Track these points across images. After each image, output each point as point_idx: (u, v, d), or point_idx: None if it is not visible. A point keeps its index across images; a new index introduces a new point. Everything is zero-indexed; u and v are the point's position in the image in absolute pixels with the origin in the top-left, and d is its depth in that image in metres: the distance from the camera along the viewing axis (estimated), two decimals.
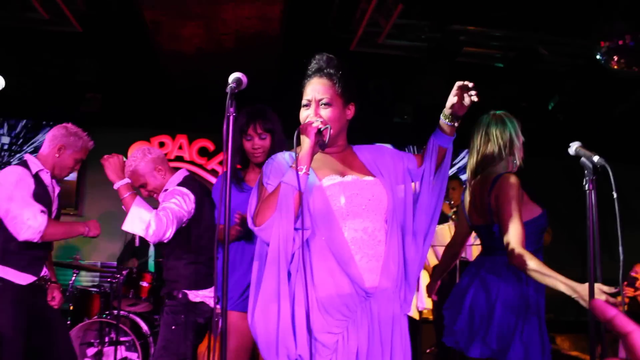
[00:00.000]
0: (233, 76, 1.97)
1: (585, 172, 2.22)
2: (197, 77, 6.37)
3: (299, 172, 1.90)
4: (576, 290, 2.24)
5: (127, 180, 2.90)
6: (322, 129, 1.96)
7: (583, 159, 2.26)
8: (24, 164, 3.18)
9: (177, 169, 3.28)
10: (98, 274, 6.30)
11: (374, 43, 5.43)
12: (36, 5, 5.14)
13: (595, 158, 2.20)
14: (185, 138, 7.28)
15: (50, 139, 3.28)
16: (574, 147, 2.33)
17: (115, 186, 2.88)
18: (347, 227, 1.96)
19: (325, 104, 2.04)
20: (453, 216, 5.15)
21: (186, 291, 3.07)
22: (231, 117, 1.93)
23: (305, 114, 2.07)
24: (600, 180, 2.18)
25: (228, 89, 1.92)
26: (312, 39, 5.53)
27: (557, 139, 4.62)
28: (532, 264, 2.30)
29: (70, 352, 3.34)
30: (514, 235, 2.36)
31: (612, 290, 2.19)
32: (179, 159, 7.21)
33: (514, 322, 2.43)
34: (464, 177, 7.14)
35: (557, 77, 5.62)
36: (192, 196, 3.00)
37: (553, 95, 5.84)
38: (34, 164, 3.18)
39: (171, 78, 6.52)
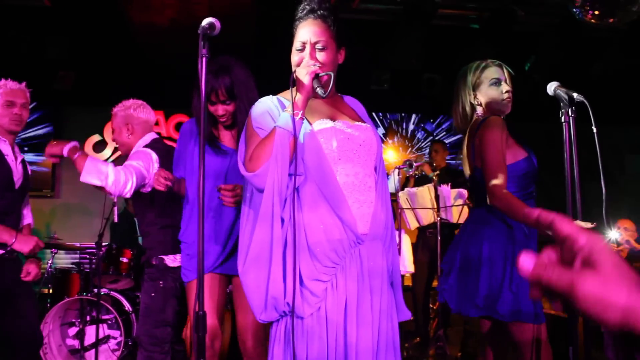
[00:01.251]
0: (206, 20, 1.91)
1: (561, 104, 2.21)
2: (171, 51, 6.26)
3: (295, 117, 1.86)
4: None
5: (73, 143, 2.82)
6: (320, 75, 1.91)
7: (559, 91, 2.25)
8: None
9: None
10: (77, 255, 6.21)
11: (349, 8, 5.39)
12: None
13: (574, 94, 2.19)
14: (162, 114, 7.18)
15: None
16: (552, 87, 2.31)
17: (65, 152, 2.78)
18: (339, 171, 1.93)
19: (321, 48, 1.98)
20: (435, 178, 5.14)
21: (162, 257, 3.03)
22: (204, 59, 1.88)
23: (298, 57, 2.00)
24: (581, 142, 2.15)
25: (200, 30, 1.87)
26: (286, 5, 5.45)
27: (535, 101, 4.64)
28: (506, 202, 2.26)
29: (33, 333, 3.14)
30: (493, 177, 2.32)
31: (590, 225, 2.19)
32: (157, 135, 7.10)
33: (501, 272, 2.37)
34: (447, 140, 7.23)
35: (532, 38, 5.63)
36: (154, 156, 2.98)
37: (529, 56, 5.85)
38: None
39: (145, 53, 6.41)
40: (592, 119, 2.18)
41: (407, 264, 5.08)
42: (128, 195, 2.79)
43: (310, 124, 1.96)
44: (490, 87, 2.53)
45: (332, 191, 1.89)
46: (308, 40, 1.98)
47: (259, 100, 2.07)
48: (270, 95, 2.06)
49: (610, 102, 5.67)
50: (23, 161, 3.21)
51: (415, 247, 5.32)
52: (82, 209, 6.65)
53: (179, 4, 5.25)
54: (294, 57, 2.02)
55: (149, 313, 3.02)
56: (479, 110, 2.56)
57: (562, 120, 2.16)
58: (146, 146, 3.08)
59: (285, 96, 2.04)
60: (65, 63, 6.33)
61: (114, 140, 3.30)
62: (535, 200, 2.49)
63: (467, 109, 2.58)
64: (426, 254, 5.27)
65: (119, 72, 6.66)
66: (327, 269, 1.88)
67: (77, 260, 6.08)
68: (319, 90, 1.90)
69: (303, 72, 1.90)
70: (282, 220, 1.88)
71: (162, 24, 5.65)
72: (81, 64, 6.45)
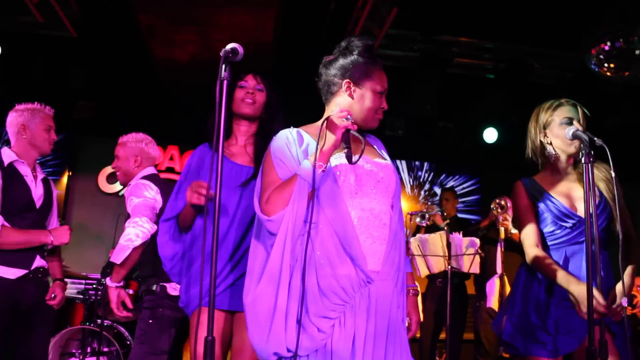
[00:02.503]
0: (230, 45, 1.88)
1: (582, 145, 2.20)
2: (190, 87, 6.38)
3: (318, 169, 1.84)
4: (569, 285, 2.28)
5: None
6: (350, 131, 1.88)
7: (579, 132, 2.24)
8: None
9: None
10: (84, 284, 6.17)
11: None
12: (32, 8, 5.16)
13: (595, 138, 2.18)
14: (177, 149, 7.26)
15: (9, 126, 3.16)
16: (571, 130, 2.30)
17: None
18: (354, 205, 1.91)
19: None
20: (445, 227, 5.12)
21: (165, 284, 3.01)
22: (225, 82, 1.84)
23: (379, 103, 2.05)
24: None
25: (222, 53, 1.85)
26: (305, 48, 5.58)
27: None
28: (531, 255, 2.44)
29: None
30: (523, 235, 2.50)
31: (604, 303, 2.16)
32: (170, 170, 7.18)
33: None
34: (457, 189, 7.22)
35: (547, 90, 5.69)
36: (154, 186, 3.05)
37: None
38: (6, 155, 3.06)
39: (164, 87, 6.53)
40: (611, 164, 2.17)
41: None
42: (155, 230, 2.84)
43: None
44: (560, 126, 2.48)
45: (343, 226, 1.87)
46: (387, 89, 2.06)
47: (279, 133, 2.05)
48: (291, 128, 2.06)
49: (625, 158, 5.67)
50: (45, 180, 3.22)
51: (424, 297, 5.25)
52: (93, 237, 6.65)
53: (200, 40, 5.39)
54: (375, 100, 2.04)
55: (144, 340, 2.97)
56: (549, 149, 2.53)
57: (583, 161, 2.15)
58: (145, 177, 3.17)
59: (307, 130, 2.04)
60: (85, 93, 6.45)
61: (115, 167, 3.36)
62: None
63: (537, 147, 2.57)
64: (435, 303, 5.18)
65: (138, 105, 6.77)
66: (336, 306, 1.84)
67: (83, 289, 6.04)
68: (344, 143, 1.88)
69: (337, 125, 1.85)
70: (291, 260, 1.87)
71: (183, 59, 5.78)
72: (101, 95, 6.58)
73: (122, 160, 3.31)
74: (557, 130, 2.48)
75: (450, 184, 7.73)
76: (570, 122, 2.45)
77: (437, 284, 5.17)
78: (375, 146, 2.18)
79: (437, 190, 7.55)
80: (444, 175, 7.78)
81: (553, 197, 2.50)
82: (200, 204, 2.16)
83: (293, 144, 1.98)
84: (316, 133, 1.94)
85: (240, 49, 1.87)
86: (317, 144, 1.86)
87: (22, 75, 6.04)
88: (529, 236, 2.49)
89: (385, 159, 2.12)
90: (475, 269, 4.73)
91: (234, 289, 2.26)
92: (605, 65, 4.22)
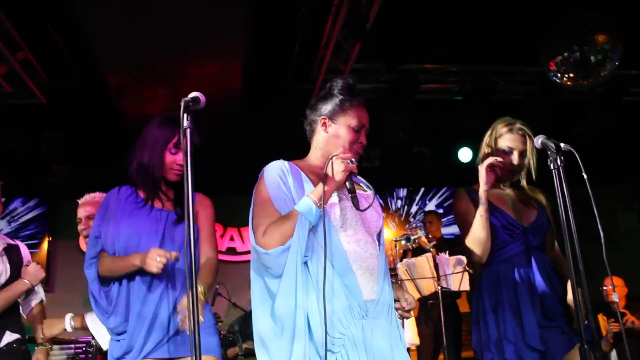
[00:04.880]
0: (191, 94, 1.86)
1: (549, 152, 2.24)
2: None
3: (319, 208, 1.86)
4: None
5: None
6: (353, 173, 1.94)
7: (546, 141, 2.28)
8: None
9: None
10: (73, 348, 6.03)
11: None
12: None
13: (561, 144, 2.23)
14: None
15: None
16: (539, 140, 2.33)
17: None
18: (342, 238, 1.94)
19: (365, 134, 2.09)
20: (432, 249, 5.14)
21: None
22: (188, 131, 1.79)
23: (356, 138, 2.06)
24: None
25: (182, 102, 1.81)
26: (273, 90, 5.66)
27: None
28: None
29: None
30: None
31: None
32: None
33: None
34: (440, 210, 7.29)
35: (515, 105, 5.82)
36: None
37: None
38: None
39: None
40: (582, 166, 2.19)
41: (411, 336, 4.97)
42: None
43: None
44: (503, 154, 2.60)
45: (339, 259, 1.89)
46: (363, 126, 2.07)
47: (271, 164, 2.06)
48: (281, 160, 2.06)
49: (597, 162, 5.79)
50: (9, 248, 3.12)
51: (418, 320, 5.22)
52: (78, 304, 6.52)
53: (169, 93, 5.43)
54: (349, 135, 2.05)
55: None
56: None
57: (551, 167, 2.19)
58: None
59: (298, 164, 2.06)
60: (59, 157, 6.43)
61: (85, 228, 3.21)
62: (533, 250, 2.55)
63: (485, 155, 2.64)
64: (430, 325, 5.16)
65: (111, 163, 6.74)
66: (335, 339, 1.84)
67: (73, 354, 5.90)
68: (348, 185, 1.93)
69: (341, 167, 1.89)
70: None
71: (154, 113, 5.78)
72: (75, 157, 6.56)
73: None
74: (499, 154, 2.60)
75: (432, 204, 7.80)
76: (510, 151, 2.59)
77: (428, 306, 5.16)
78: (358, 179, 2.19)
79: (420, 215, 7.62)
80: (424, 198, 7.86)
81: (499, 207, 2.59)
82: (158, 272, 2.16)
83: (287, 175, 2.00)
84: (307, 168, 2.02)
85: (202, 98, 1.86)
86: (324, 184, 1.86)
87: None
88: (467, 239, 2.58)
89: (365, 190, 2.14)
90: (465, 286, 4.73)
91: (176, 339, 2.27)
92: (566, 76, 4.36)
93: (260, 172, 2.06)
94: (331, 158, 1.91)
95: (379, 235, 2.08)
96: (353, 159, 1.93)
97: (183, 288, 2.28)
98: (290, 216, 1.88)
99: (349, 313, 1.87)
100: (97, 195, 3.34)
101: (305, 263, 1.88)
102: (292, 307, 1.83)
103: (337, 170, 1.88)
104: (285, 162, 2.05)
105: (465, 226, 2.57)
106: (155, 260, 2.14)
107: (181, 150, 2.28)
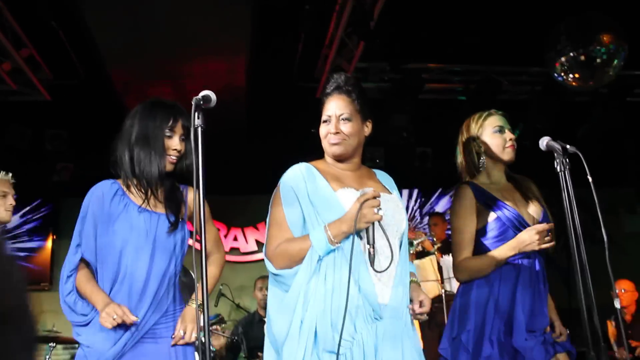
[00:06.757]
0: (202, 92, 1.86)
1: (555, 155, 2.23)
2: None
3: (332, 245, 1.88)
4: (519, 240, 2.32)
5: None
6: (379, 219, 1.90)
7: (551, 143, 2.27)
8: None
9: None
10: (76, 348, 6.03)
11: None
12: (4, 76, 5.20)
13: (567, 146, 2.22)
14: None
15: None
16: (544, 142, 2.31)
17: None
18: (362, 240, 1.94)
19: (345, 119, 2.05)
20: (436, 252, 5.12)
21: None
22: (199, 130, 1.82)
23: (325, 130, 2.07)
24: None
25: (193, 101, 1.83)
26: (277, 88, 5.66)
27: (529, 167, 4.72)
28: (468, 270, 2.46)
29: None
30: (456, 253, 2.48)
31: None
32: None
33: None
34: (445, 209, 7.24)
35: (519, 105, 5.80)
36: None
37: (517, 124, 6.01)
38: None
39: None
40: (587, 169, 2.19)
41: None
42: None
43: (335, 190, 1.98)
44: (493, 134, 2.53)
45: (355, 259, 1.88)
46: (333, 114, 2.05)
47: (290, 170, 2.06)
48: (300, 163, 2.07)
49: (600, 164, 5.77)
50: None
51: (422, 324, 5.20)
52: None
53: (174, 91, 5.44)
54: (321, 130, 2.09)
55: None
56: (483, 158, 2.54)
57: (557, 169, 2.18)
58: None
59: (317, 166, 2.06)
60: (63, 155, 6.44)
61: None
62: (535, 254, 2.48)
63: (470, 157, 2.56)
64: (434, 330, 5.13)
65: None
66: (344, 341, 1.83)
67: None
68: (369, 245, 1.92)
69: (367, 217, 1.86)
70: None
71: None
72: (79, 155, 6.56)
73: None
74: (490, 139, 2.53)
75: (438, 205, 7.77)
76: (501, 130, 2.52)
77: (432, 310, 5.13)
78: (382, 180, 2.20)
79: (425, 217, 7.59)
80: (429, 199, 7.83)
81: (505, 203, 2.48)
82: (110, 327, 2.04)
83: (302, 183, 2.00)
84: (325, 169, 2.04)
85: (213, 96, 1.86)
86: (355, 228, 1.85)
87: None
88: (468, 245, 2.46)
89: (390, 192, 2.12)
90: None
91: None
92: (570, 76, 4.35)
93: (278, 182, 2.07)
94: (362, 202, 1.87)
95: (403, 238, 2.07)
96: (381, 208, 1.89)
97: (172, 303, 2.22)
98: (303, 242, 1.92)
99: (363, 314, 1.88)
100: None
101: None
102: (300, 308, 1.88)
103: (364, 216, 1.85)
104: (303, 167, 2.05)
105: (461, 232, 2.47)
106: (111, 318, 2.01)
107: (176, 134, 2.23)
